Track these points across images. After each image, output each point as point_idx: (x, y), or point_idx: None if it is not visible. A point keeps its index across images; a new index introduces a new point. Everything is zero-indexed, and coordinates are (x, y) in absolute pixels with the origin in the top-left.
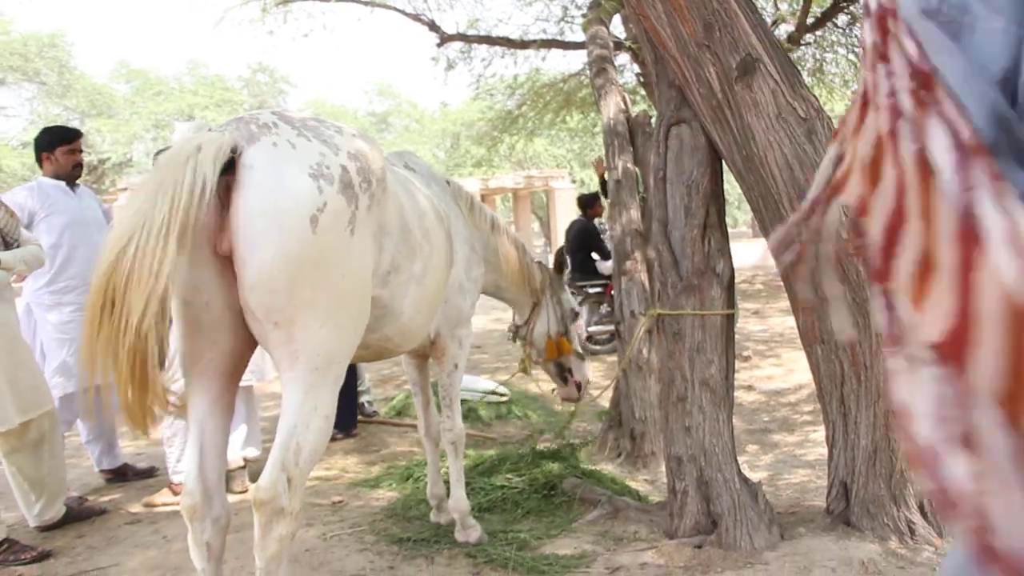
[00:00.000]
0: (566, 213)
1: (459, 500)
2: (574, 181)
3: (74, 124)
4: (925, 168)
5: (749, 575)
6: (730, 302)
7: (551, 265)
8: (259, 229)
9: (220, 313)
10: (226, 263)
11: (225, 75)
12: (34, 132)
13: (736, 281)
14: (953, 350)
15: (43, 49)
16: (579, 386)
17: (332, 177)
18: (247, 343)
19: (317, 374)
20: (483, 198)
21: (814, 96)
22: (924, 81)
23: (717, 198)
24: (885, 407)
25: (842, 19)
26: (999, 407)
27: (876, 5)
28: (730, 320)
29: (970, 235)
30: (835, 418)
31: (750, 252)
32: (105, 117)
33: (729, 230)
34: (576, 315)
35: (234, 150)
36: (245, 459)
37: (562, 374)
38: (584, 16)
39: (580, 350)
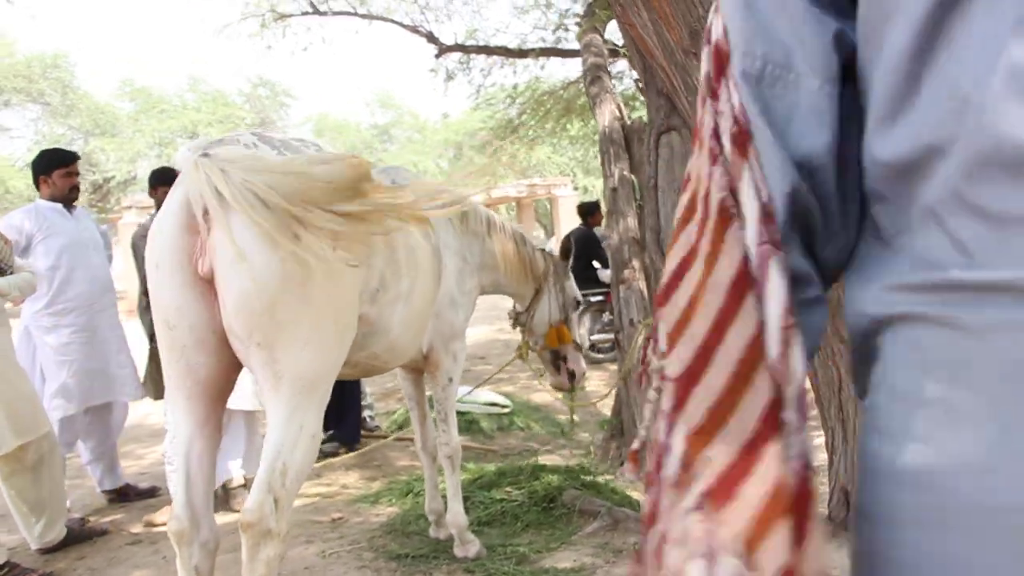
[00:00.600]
0: (570, 221)
1: (457, 515)
2: (576, 188)
3: (78, 143)
4: (725, 217)
5: None
6: None
7: (557, 252)
8: (239, 251)
9: (203, 335)
10: (208, 285)
11: (226, 90)
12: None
13: None
14: (682, 387)
15: (47, 70)
16: (572, 375)
17: None
18: (232, 365)
19: (301, 394)
20: (486, 207)
21: None
22: (741, 136)
23: None
24: None
25: None
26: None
27: (715, 37)
28: None
29: (739, 291)
30: (834, 424)
31: None
32: (109, 136)
33: None
34: (578, 303)
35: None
36: (245, 478)
37: (556, 362)
38: (578, 25)
39: (578, 340)
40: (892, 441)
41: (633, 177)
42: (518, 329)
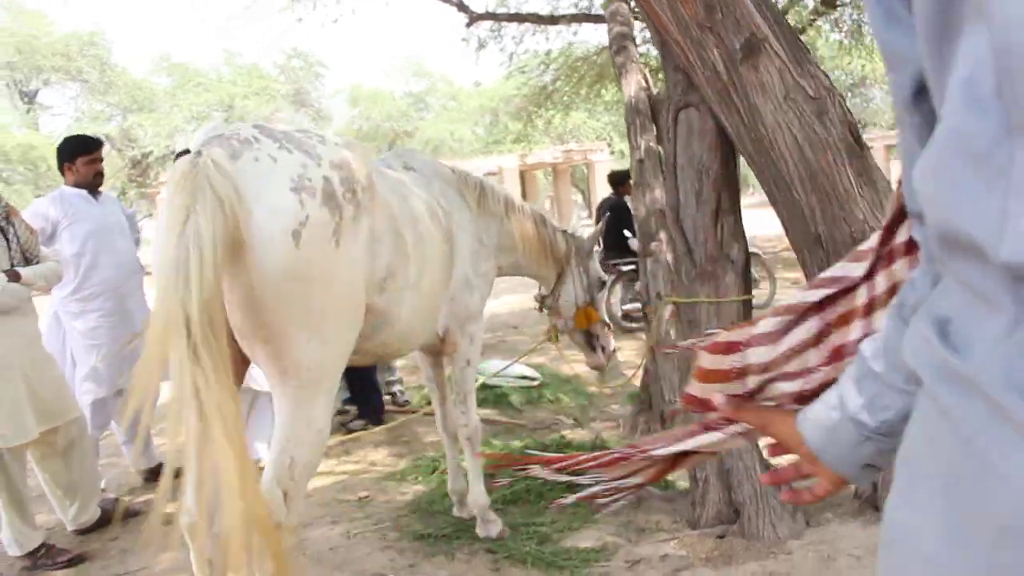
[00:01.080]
0: (607, 186)
1: (478, 495)
2: (613, 153)
3: (116, 120)
4: None
5: (772, 566)
6: (745, 288)
7: (590, 232)
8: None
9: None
10: None
11: (260, 63)
12: (79, 130)
13: (775, 250)
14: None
15: (84, 47)
16: (604, 350)
17: (314, 189)
18: (239, 359)
19: (307, 388)
20: (522, 174)
21: (824, 73)
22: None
23: (729, 182)
24: None
25: None
26: None
27: None
28: (747, 306)
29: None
30: None
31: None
32: (147, 112)
33: (758, 196)
34: (603, 284)
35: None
36: None
37: (590, 343)
38: None
39: (606, 318)
40: (890, 492)
41: (660, 148)
42: (545, 312)
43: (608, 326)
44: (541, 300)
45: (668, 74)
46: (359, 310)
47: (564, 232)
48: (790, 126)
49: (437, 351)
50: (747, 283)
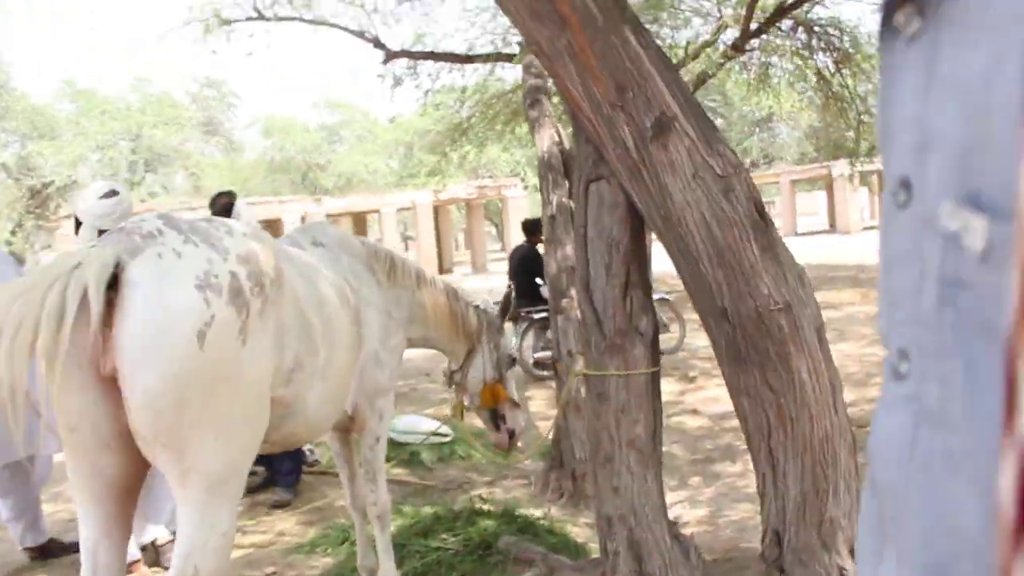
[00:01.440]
0: (520, 221)
1: (388, 572)
2: (526, 188)
3: (13, 147)
4: None
5: None
6: (654, 359)
7: (497, 305)
8: (143, 349)
9: (108, 437)
10: (112, 384)
11: (172, 91)
12: None
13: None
14: None
15: None
16: (512, 434)
17: (220, 287)
18: (141, 463)
19: (212, 491)
20: (436, 209)
21: (732, 151)
22: None
23: (639, 255)
24: (812, 458)
25: (786, 24)
26: None
27: None
28: (655, 377)
29: None
30: (765, 469)
31: None
32: (48, 139)
33: None
34: (513, 361)
35: (118, 265)
36: (174, 532)
37: (495, 420)
38: (520, 45)
39: (516, 398)
40: None
41: (572, 204)
42: (453, 388)
43: (517, 405)
44: (449, 375)
45: (580, 146)
46: (266, 406)
47: (476, 307)
48: (698, 204)
49: (346, 427)
50: (655, 354)
